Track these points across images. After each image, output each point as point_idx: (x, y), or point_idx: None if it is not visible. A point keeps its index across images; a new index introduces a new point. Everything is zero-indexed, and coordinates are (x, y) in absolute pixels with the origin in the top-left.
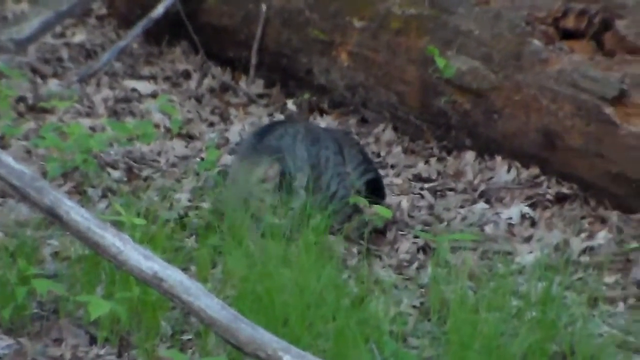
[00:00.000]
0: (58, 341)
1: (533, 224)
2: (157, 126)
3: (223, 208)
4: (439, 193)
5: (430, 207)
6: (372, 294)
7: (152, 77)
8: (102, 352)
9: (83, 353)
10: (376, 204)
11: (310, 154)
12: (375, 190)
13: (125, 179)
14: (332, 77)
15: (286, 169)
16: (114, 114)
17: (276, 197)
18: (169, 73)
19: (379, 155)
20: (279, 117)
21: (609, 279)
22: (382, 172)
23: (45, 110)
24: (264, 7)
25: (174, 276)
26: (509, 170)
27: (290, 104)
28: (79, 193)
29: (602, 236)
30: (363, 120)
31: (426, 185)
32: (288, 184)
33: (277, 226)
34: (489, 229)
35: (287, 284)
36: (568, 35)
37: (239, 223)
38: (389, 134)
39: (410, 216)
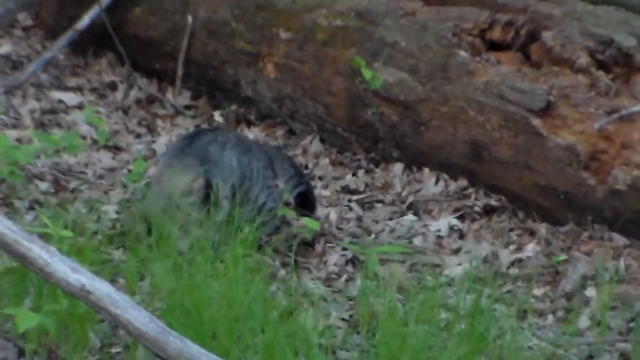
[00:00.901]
0: None
1: (461, 236)
2: (84, 138)
3: (148, 215)
4: (367, 205)
5: (359, 219)
6: (301, 306)
7: (79, 89)
8: None
9: None
10: (305, 216)
11: (241, 163)
12: (305, 203)
13: (52, 190)
14: (259, 88)
15: (212, 179)
16: (40, 125)
17: (201, 210)
18: (95, 84)
19: (306, 167)
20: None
21: (538, 291)
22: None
23: None
24: (190, 18)
25: (101, 288)
26: (437, 182)
27: (218, 116)
28: (6, 205)
29: (531, 248)
30: (290, 132)
31: (354, 197)
32: (214, 197)
33: (204, 239)
34: (417, 241)
35: (216, 297)
36: (495, 46)
37: (166, 235)
38: (316, 146)
39: (338, 228)
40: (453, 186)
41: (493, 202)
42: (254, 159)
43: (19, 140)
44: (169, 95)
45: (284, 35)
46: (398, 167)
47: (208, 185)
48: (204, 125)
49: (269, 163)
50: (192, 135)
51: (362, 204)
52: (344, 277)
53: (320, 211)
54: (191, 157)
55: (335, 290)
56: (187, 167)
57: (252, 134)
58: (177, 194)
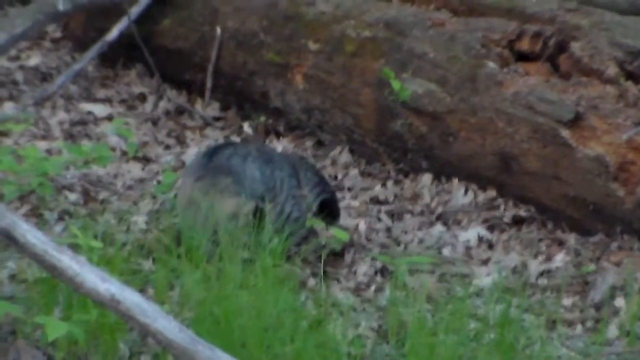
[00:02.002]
0: None
1: (490, 246)
2: (113, 149)
3: (180, 231)
4: (396, 216)
5: (388, 229)
6: (330, 316)
7: (108, 100)
8: None
9: None
10: (329, 224)
11: (264, 174)
12: (328, 211)
13: (81, 202)
14: (287, 99)
15: (259, 204)
16: (69, 137)
17: (248, 233)
18: (124, 96)
19: (335, 178)
20: (235, 139)
21: (567, 301)
22: (339, 194)
23: (1, 134)
24: (218, 29)
25: (131, 298)
26: (465, 193)
27: (246, 127)
28: (36, 216)
29: (560, 259)
30: (319, 143)
31: (383, 208)
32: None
33: (234, 249)
34: (446, 251)
35: (245, 307)
36: (523, 57)
37: (195, 246)
38: (345, 157)
39: (367, 239)
40: (482, 197)
41: (522, 213)
42: (277, 168)
43: (48, 151)
44: (198, 106)
45: (312, 46)
46: (427, 178)
47: (257, 210)
48: (233, 137)
49: (293, 172)
50: (210, 151)
51: (391, 214)
52: (373, 287)
53: (350, 222)
54: (223, 176)
55: (365, 300)
56: (225, 189)
57: (280, 145)
58: (224, 218)
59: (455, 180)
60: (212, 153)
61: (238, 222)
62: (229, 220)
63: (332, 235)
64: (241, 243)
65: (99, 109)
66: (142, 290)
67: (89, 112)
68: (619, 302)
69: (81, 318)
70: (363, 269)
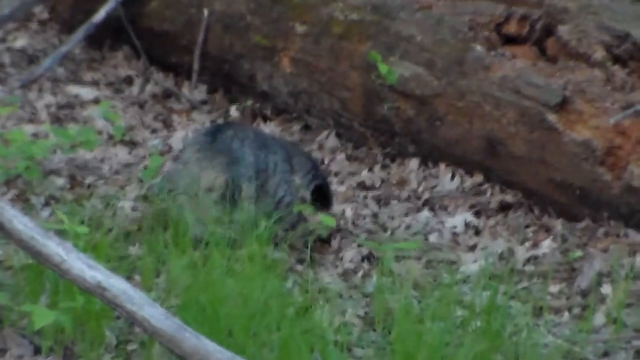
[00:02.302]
0: (2, 351)
1: (477, 232)
2: (100, 133)
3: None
4: (383, 201)
5: (375, 215)
6: (317, 303)
7: (95, 83)
8: None
9: None
10: (322, 210)
11: (258, 158)
12: (322, 197)
13: (68, 186)
14: (275, 83)
15: (234, 177)
16: (56, 120)
17: (221, 207)
18: (111, 79)
19: (322, 163)
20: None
21: (554, 288)
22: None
23: None
24: (205, 12)
25: (117, 285)
26: (452, 178)
27: (234, 110)
28: (22, 201)
29: (547, 245)
30: (306, 127)
31: (370, 194)
32: (232, 194)
33: (220, 235)
34: (433, 237)
35: (231, 294)
36: (510, 41)
37: (182, 231)
38: (332, 141)
39: (354, 224)
40: (469, 182)
41: (509, 198)
42: (271, 152)
43: (35, 135)
44: (185, 89)
45: (299, 29)
46: (414, 163)
47: (232, 184)
48: (220, 120)
49: (287, 157)
50: (214, 131)
51: (377, 200)
52: (360, 273)
53: (336, 207)
54: (221, 156)
55: (351, 286)
56: (216, 165)
57: (268, 128)
58: (202, 189)
59: (443, 165)
60: (214, 133)
61: (212, 196)
62: (205, 192)
63: (318, 221)
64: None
65: (86, 92)
66: (128, 277)
67: (76, 95)
68: (606, 288)
69: (68, 306)
70: (350, 255)
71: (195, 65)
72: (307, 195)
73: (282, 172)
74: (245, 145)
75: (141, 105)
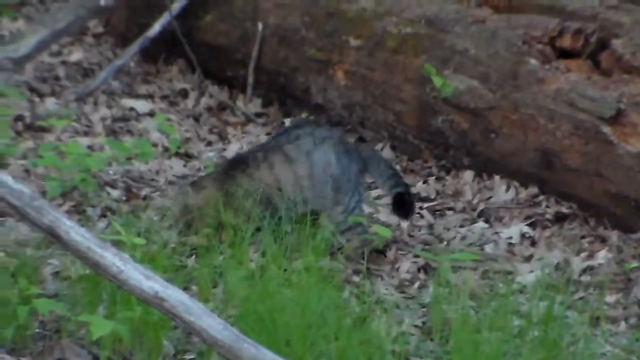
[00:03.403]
0: None
1: (533, 243)
2: (155, 145)
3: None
4: (438, 212)
5: (430, 226)
6: (374, 313)
7: (150, 96)
8: None
9: None
10: (403, 217)
11: (341, 163)
12: (402, 204)
13: (124, 198)
14: (329, 96)
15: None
16: (111, 132)
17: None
18: (166, 92)
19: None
20: None
21: (610, 298)
22: (380, 191)
23: (43, 129)
24: (260, 25)
25: (175, 296)
26: (507, 190)
27: (288, 123)
28: (78, 212)
29: (602, 255)
30: (361, 139)
31: (425, 205)
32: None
33: (277, 247)
34: (489, 248)
35: (289, 304)
36: (565, 54)
37: (239, 243)
38: (387, 153)
39: (410, 236)
40: (524, 194)
41: (564, 210)
42: (354, 161)
43: (90, 147)
44: (240, 102)
45: (354, 42)
46: (469, 175)
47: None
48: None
49: (365, 168)
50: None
51: (433, 211)
52: (417, 284)
53: (392, 219)
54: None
55: (408, 297)
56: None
57: None
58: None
59: (497, 177)
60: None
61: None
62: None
63: (374, 232)
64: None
65: (141, 105)
66: (185, 288)
67: (131, 108)
68: None
69: (125, 316)
70: (406, 266)
71: (250, 79)
72: (390, 200)
73: (356, 184)
74: (324, 145)
75: (196, 118)
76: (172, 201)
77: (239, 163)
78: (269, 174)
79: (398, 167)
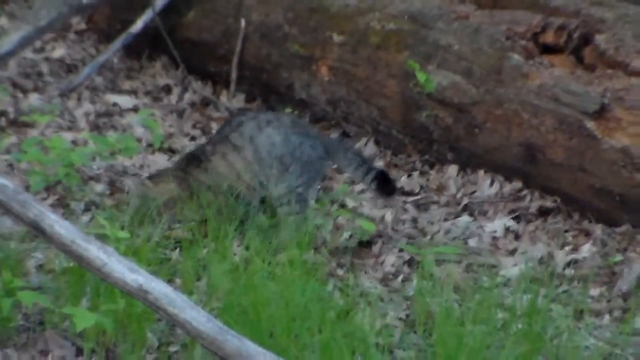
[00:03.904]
0: (44, 353)
1: (517, 237)
2: (138, 140)
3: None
4: (422, 206)
5: (414, 220)
6: (358, 306)
7: (133, 92)
8: None
9: None
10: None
11: (289, 142)
12: (385, 183)
13: (108, 192)
14: (313, 91)
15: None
16: (95, 128)
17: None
18: (149, 87)
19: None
20: None
21: (594, 291)
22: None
23: (27, 125)
24: (243, 22)
25: (159, 288)
26: (491, 184)
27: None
28: (62, 206)
29: (587, 249)
30: (345, 135)
31: (410, 199)
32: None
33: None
34: (473, 242)
35: (273, 297)
36: (548, 49)
37: (222, 236)
38: (371, 148)
39: (394, 229)
40: (508, 188)
41: (548, 204)
42: (309, 145)
43: (74, 142)
44: (223, 98)
45: (337, 38)
46: (453, 169)
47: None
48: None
49: (328, 156)
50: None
51: (417, 205)
52: (401, 277)
53: (376, 212)
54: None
55: (392, 290)
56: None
57: None
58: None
59: (481, 172)
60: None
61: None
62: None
63: (358, 225)
64: None
65: (125, 101)
66: (169, 281)
67: (115, 104)
68: None
69: (109, 308)
70: (390, 259)
71: (233, 74)
72: (369, 185)
73: (308, 167)
74: (268, 128)
75: (180, 114)
76: (130, 193)
77: (193, 159)
78: (223, 164)
79: (382, 162)
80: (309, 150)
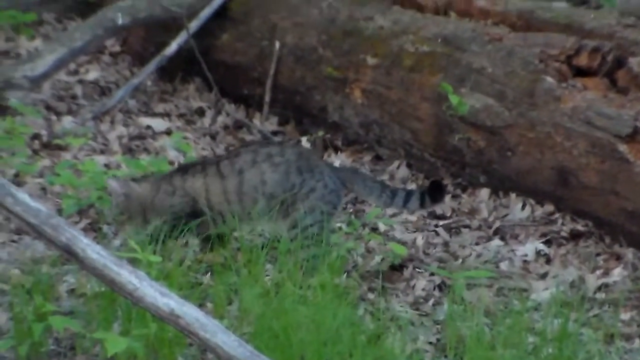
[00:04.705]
0: None
1: (548, 261)
2: (171, 163)
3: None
4: (453, 230)
5: (446, 244)
6: (389, 330)
7: (166, 114)
8: None
9: None
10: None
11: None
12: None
13: None
14: (346, 114)
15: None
16: (128, 151)
17: None
18: (183, 110)
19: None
20: None
21: (625, 315)
22: (395, 209)
23: (60, 148)
24: (277, 44)
25: (190, 313)
26: (523, 208)
27: (305, 141)
28: (94, 230)
29: (617, 273)
30: (377, 158)
31: (441, 223)
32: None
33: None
34: (504, 265)
35: (304, 321)
36: (581, 72)
37: (254, 260)
38: (403, 171)
39: (425, 253)
40: (540, 211)
41: (579, 227)
42: (313, 181)
43: (107, 165)
44: (257, 120)
45: (370, 61)
46: (485, 193)
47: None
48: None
49: (346, 187)
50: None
51: (448, 229)
52: (431, 301)
53: (407, 236)
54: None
55: (423, 314)
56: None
57: (339, 159)
58: None
59: (513, 195)
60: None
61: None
62: None
63: (390, 249)
64: None
65: (158, 123)
66: (200, 305)
67: (148, 127)
68: None
69: (140, 332)
70: (421, 283)
71: (267, 97)
72: (405, 204)
73: (317, 200)
74: (264, 163)
75: (213, 136)
76: (113, 193)
77: (181, 168)
78: (200, 183)
79: (414, 185)
80: (313, 185)
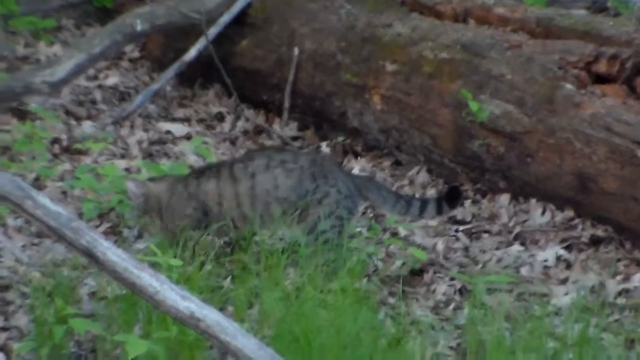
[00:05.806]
0: None
1: (568, 266)
2: (191, 168)
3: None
4: (474, 235)
5: (466, 249)
6: (409, 335)
7: (186, 120)
8: None
9: None
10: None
11: (301, 186)
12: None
13: None
14: (365, 120)
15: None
16: (148, 155)
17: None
18: (202, 115)
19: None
20: None
21: None
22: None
23: (80, 152)
24: (296, 50)
25: (211, 316)
26: (543, 213)
27: (324, 147)
28: (115, 234)
29: (638, 278)
30: (397, 163)
31: (461, 228)
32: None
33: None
34: (524, 271)
35: (324, 325)
36: (600, 79)
37: (275, 264)
38: (423, 177)
39: (445, 258)
40: (559, 217)
41: (600, 233)
42: (327, 186)
43: (127, 170)
44: (276, 126)
45: (390, 67)
46: (505, 198)
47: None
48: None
49: (361, 195)
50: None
51: (469, 234)
52: (452, 306)
53: (428, 241)
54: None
55: (443, 318)
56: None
57: (358, 165)
58: None
59: (533, 200)
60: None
61: None
62: None
63: (410, 254)
64: None
65: (177, 129)
66: (221, 309)
67: (168, 131)
68: None
69: (161, 335)
70: (441, 287)
71: (286, 103)
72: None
73: (331, 205)
74: (275, 168)
75: (232, 142)
76: (133, 195)
77: (199, 171)
78: (213, 186)
79: (434, 191)
80: (327, 191)
